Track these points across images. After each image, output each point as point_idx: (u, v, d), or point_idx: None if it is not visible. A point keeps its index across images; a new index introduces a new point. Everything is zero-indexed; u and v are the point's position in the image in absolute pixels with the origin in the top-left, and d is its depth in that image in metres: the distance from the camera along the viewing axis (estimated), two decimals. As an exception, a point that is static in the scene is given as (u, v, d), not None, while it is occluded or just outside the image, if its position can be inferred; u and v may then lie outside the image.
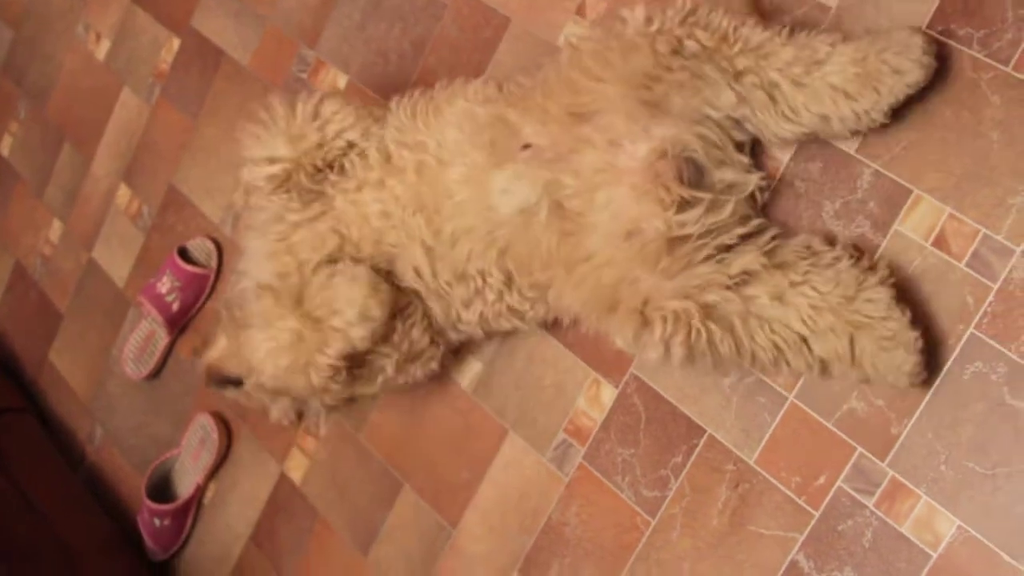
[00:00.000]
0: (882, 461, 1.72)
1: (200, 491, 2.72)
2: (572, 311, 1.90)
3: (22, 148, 3.47)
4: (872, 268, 1.70)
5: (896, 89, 1.66)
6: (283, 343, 1.94)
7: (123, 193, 3.07)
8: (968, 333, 1.66)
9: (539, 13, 2.20)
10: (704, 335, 1.70)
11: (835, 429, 1.76)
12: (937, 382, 1.68)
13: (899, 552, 1.69)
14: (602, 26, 1.89)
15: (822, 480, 1.77)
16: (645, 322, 1.74)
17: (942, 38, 1.72)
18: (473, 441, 2.20)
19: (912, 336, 1.63)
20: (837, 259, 1.71)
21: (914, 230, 1.73)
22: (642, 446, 1.97)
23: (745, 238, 1.77)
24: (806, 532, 1.78)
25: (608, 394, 2.02)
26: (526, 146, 1.86)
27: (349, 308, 1.91)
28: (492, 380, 2.19)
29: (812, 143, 1.82)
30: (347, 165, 2.04)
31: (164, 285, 2.77)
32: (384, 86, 2.44)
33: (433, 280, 1.99)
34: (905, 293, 1.70)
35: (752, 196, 1.82)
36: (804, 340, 1.69)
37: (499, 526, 2.16)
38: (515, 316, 2.01)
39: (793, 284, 1.69)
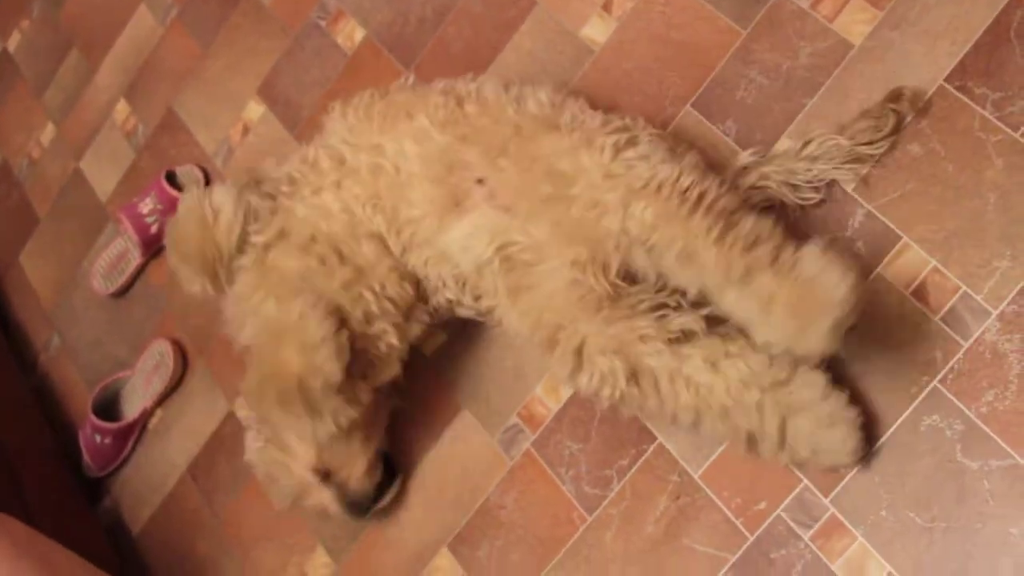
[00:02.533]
0: (825, 497, 1.73)
1: (146, 415, 2.71)
2: (518, 334, 1.90)
3: (29, 47, 3.45)
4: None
5: (796, 349, 1.57)
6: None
7: (122, 108, 3.05)
8: (931, 386, 1.67)
9: (566, 1, 2.20)
10: (627, 395, 1.72)
11: (784, 458, 1.77)
12: (892, 429, 1.69)
13: (826, 589, 1.71)
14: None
15: (762, 506, 1.78)
16: (579, 365, 1.75)
17: (957, 93, 1.73)
18: (425, 410, 2.19)
19: (852, 414, 1.65)
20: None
21: (896, 277, 1.73)
22: (591, 443, 1.97)
23: (693, 304, 1.74)
24: (738, 554, 1.79)
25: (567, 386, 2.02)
26: (480, 180, 1.86)
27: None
28: (454, 353, 2.19)
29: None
30: (296, 176, 2.05)
31: (146, 206, 2.75)
32: (399, 47, 2.44)
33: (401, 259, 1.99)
34: (879, 336, 1.72)
35: None
36: (727, 410, 1.68)
37: (436, 498, 2.15)
38: (473, 312, 2.02)
39: (728, 355, 1.68)
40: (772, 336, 1.55)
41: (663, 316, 1.71)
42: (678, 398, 1.70)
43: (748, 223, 1.60)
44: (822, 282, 1.50)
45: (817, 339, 1.50)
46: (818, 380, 1.65)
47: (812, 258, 1.52)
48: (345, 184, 1.98)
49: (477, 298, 1.96)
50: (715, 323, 1.71)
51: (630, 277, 1.75)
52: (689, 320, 1.70)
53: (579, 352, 1.74)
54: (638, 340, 1.70)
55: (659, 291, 1.74)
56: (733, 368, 1.67)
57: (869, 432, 1.68)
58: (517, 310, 1.84)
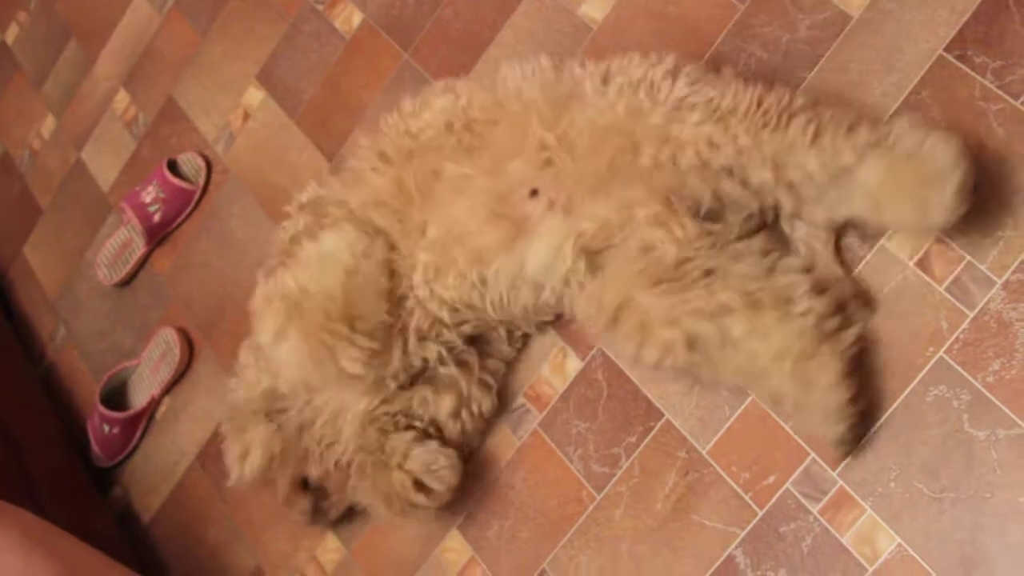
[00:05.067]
0: (833, 470, 1.73)
1: (154, 404, 2.72)
2: (584, 317, 1.90)
3: (27, 39, 3.45)
4: (839, 330, 1.69)
5: (924, 224, 1.63)
6: None
7: (121, 98, 3.05)
8: (937, 357, 1.67)
9: (563, -21, 2.20)
10: (687, 362, 1.72)
11: (792, 432, 1.77)
12: (899, 400, 1.68)
13: (836, 561, 1.70)
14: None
15: (771, 480, 1.78)
16: (644, 340, 1.74)
17: (957, 62, 1.72)
18: (432, 393, 2.19)
19: (845, 425, 1.65)
20: (807, 312, 1.68)
21: (899, 248, 1.73)
22: (599, 421, 1.98)
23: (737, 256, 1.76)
24: (747, 529, 1.79)
25: (573, 365, 2.02)
26: (533, 192, 1.87)
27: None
28: (460, 336, 2.18)
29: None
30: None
31: (149, 195, 2.75)
32: (397, 29, 2.43)
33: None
34: (883, 308, 1.72)
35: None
36: (764, 375, 1.69)
37: (445, 480, 2.16)
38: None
39: (762, 330, 1.67)
40: (899, 218, 1.64)
41: (710, 285, 1.71)
42: (729, 363, 1.72)
43: (828, 112, 1.65)
44: (929, 152, 1.57)
45: (942, 209, 1.56)
46: (833, 367, 1.65)
47: (909, 132, 1.60)
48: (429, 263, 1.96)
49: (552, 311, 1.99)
50: (752, 295, 1.71)
51: (710, 216, 1.76)
52: (728, 296, 1.69)
53: (642, 327, 1.75)
54: (688, 315, 1.70)
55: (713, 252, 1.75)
56: (769, 340, 1.67)
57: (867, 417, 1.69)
58: (582, 297, 1.86)
